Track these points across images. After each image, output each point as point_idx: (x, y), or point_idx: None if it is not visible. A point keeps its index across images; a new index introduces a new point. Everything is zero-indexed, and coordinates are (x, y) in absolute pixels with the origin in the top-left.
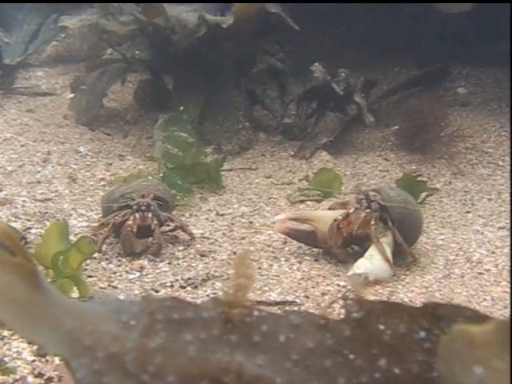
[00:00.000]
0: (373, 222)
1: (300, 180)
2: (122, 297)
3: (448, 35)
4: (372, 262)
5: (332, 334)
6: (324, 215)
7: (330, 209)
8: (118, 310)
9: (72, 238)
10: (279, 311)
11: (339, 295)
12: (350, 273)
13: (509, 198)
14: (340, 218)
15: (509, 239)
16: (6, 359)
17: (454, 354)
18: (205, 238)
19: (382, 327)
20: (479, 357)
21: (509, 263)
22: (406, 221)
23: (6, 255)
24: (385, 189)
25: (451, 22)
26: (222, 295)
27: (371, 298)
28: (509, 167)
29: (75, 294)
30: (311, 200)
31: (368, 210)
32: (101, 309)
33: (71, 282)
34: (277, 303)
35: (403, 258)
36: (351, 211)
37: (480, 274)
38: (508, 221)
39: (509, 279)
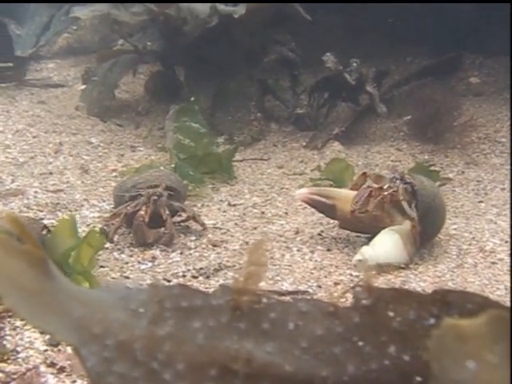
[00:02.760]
0: (406, 207)
1: (312, 170)
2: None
3: (460, 24)
4: (374, 249)
5: (341, 321)
6: (347, 194)
7: (355, 184)
8: (127, 297)
9: (84, 228)
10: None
11: (352, 285)
12: (354, 260)
13: None
14: (375, 186)
15: None
16: (19, 349)
17: (446, 350)
18: (217, 228)
19: (391, 314)
20: (471, 351)
21: None
22: (429, 214)
23: (15, 243)
24: (419, 176)
25: (464, 10)
26: (232, 282)
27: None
28: None
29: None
30: None
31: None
32: (109, 296)
33: (82, 279)
34: (289, 293)
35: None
36: (386, 186)
37: (493, 263)
38: None
39: None
